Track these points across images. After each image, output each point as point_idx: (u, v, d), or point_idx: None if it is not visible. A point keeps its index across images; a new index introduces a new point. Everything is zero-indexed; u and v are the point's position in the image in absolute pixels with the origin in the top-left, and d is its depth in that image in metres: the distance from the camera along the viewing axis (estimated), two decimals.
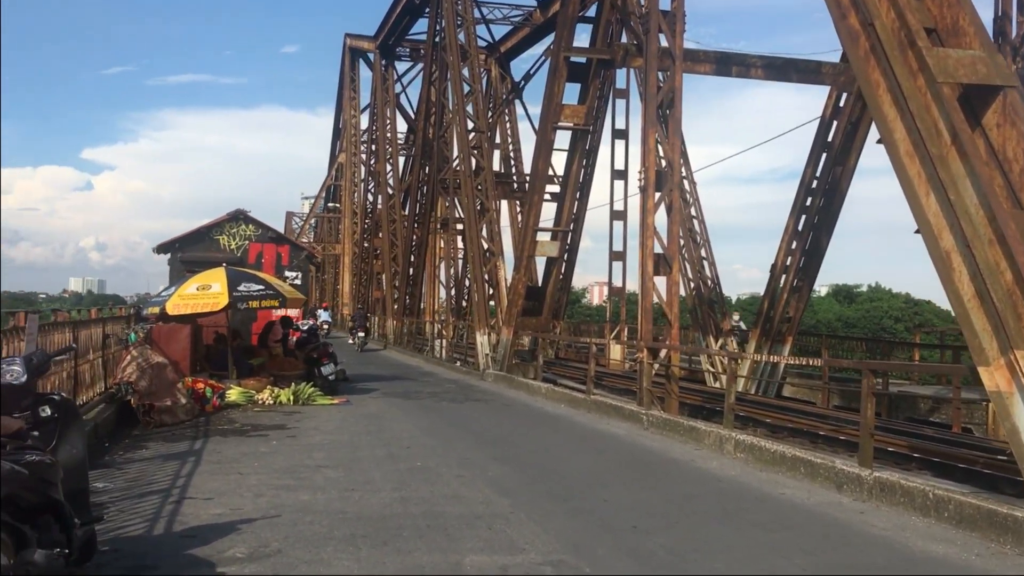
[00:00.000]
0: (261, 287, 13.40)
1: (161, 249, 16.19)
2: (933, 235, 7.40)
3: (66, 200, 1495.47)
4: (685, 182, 21.15)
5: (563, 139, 18.75)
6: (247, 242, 16.57)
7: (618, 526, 6.44)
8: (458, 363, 22.72)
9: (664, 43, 14.43)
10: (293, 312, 16.56)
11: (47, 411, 4.79)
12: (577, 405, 14.11)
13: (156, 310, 13.03)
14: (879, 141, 8.26)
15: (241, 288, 13.12)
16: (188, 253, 16.04)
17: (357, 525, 6.23)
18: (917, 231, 7.60)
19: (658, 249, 14.11)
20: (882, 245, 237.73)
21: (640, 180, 14.41)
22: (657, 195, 14.18)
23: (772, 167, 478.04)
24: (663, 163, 14.65)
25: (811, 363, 14.70)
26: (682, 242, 18.67)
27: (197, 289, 12.99)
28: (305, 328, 16.52)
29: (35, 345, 8.37)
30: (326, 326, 26.25)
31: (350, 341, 28.78)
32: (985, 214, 7.03)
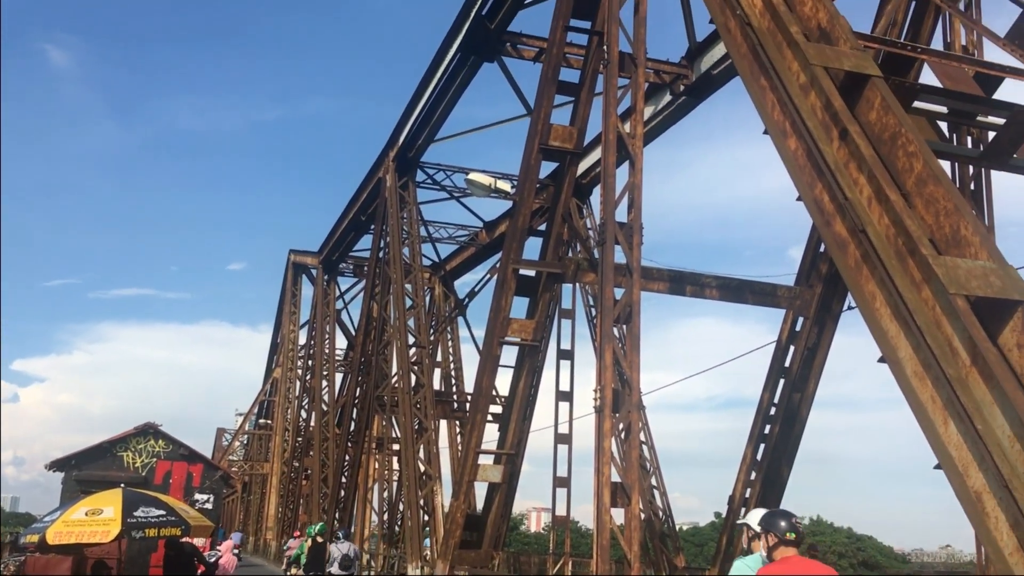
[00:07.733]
0: (162, 512, 14.80)
1: (55, 466, 18.14)
2: (958, 471, 7.68)
3: None
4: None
5: (508, 357, 21.34)
6: (155, 460, 18.81)
7: None
8: None
9: (620, 257, 16.67)
10: (199, 541, 18.39)
11: None
12: None
13: (35, 538, 14.16)
14: (880, 360, 9.10)
15: (139, 514, 14.40)
16: (86, 471, 18.09)
17: None
18: (937, 466, 8.19)
19: (615, 477, 15.63)
20: (822, 476, 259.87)
21: (595, 400, 16.29)
22: (614, 417, 15.94)
23: (710, 395, 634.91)
24: (620, 383, 16.66)
25: None
26: None
27: (86, 514, 14.08)
28: (213, 559, 18.45)
29: None
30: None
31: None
32: None
